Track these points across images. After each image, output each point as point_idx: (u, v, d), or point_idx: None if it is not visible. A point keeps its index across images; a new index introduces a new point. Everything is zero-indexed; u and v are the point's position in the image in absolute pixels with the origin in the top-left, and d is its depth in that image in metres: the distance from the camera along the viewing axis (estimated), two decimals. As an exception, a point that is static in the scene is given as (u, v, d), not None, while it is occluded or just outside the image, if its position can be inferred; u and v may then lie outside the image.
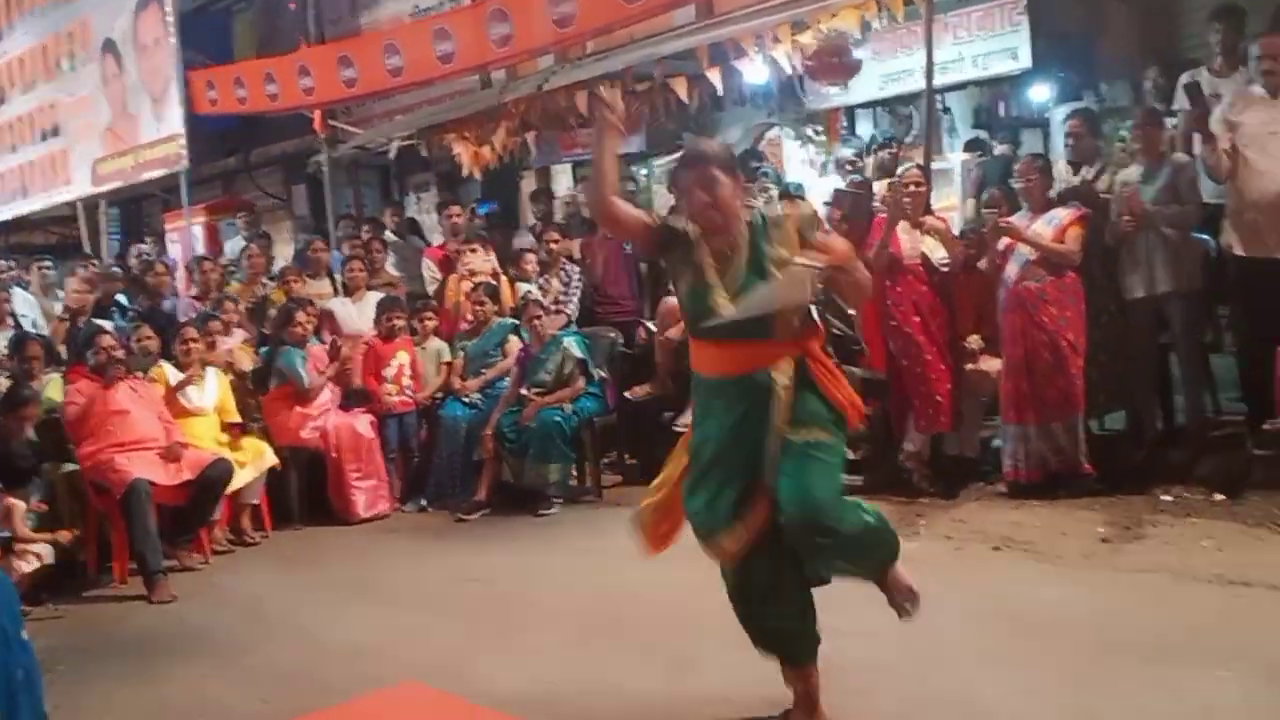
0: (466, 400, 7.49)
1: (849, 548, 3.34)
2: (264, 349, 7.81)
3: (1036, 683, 3.64)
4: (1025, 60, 7.84)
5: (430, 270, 8.76)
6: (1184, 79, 6.56)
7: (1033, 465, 5.89)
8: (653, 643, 4.46)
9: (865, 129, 9.49)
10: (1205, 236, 6.09)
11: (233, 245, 10.88)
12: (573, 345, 7.22)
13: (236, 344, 7.66)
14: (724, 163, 3.36)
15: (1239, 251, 5.72)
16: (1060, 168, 6.59)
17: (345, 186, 12.40)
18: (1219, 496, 5.51)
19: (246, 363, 7.61)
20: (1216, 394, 6.37)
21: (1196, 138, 5.96)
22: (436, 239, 9.80)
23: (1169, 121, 6.29)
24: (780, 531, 3.30)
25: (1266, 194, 5.57)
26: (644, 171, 10.87)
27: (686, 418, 6.87)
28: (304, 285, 8.35)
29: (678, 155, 3.51)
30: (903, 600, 3.52)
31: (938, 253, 6.33)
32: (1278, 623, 4.01)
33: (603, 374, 7.33)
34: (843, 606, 3.69)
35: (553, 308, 7.63)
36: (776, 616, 3.48)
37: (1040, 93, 8.65)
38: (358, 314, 8.07)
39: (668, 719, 3.74)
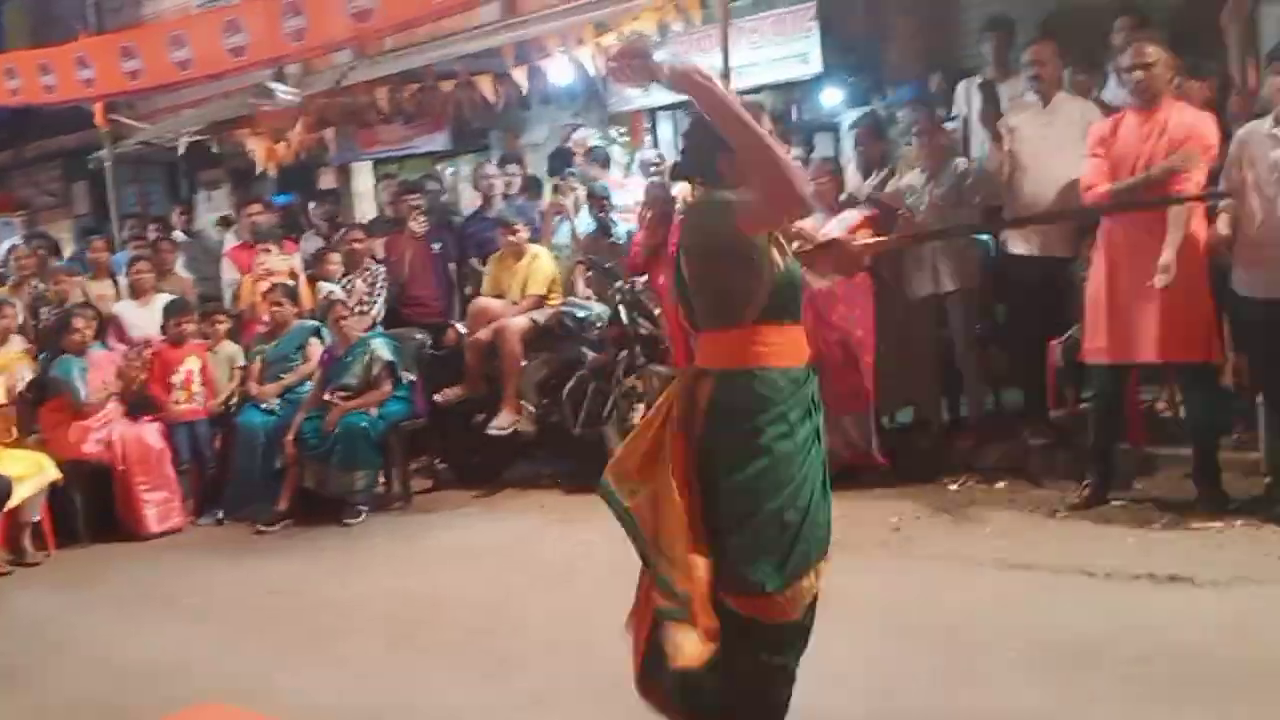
0: (265, 407, 7.23)
1: None
2: (41, 356, 7.36)
3: (840, 666, 3.78)
4: (816, 65, 8.11)
5: (231, 272, 8.43)
6: (961, 86, 6.94)
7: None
8: (469, 648, 4.43)
9: (667, 131, 9.63)
10: (985, 237, 6.43)
11: (7, 246, 10.21)
12: (380, 347, 7.07)
13: (14, 352, 7.20)
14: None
15: (1015, 250, 6.07)
16: (850, 171, 6.87)
17: (129, 184, 11.81)
18: (999, 485, 5.84)
19: (24, 372, 7.15)
20: (997, 387, 6.76)
21: (974, 140, 6.30)
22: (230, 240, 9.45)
23: (948, 126, 6.62)
24: None
25: (1038, 196, 5.92)
26: (450, 170, 10.76)
27: (501, 420, 6.92)
28: (70, 287, 7.90)
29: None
30: None
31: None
32: (1056, 603, 4.27)
33: (411, 377, 7.20)
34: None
35: (357, 309, 7.45)
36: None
37: (831, 97, 8.96)
38: (145, 318, 7.70)
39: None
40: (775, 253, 2.78)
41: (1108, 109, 5.78)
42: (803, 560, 2.75)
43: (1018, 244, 6.05)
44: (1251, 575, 4.27)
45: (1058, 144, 5.80)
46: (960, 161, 6.31)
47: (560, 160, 8.99)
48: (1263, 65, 5.55)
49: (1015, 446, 6.15)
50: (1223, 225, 5.03)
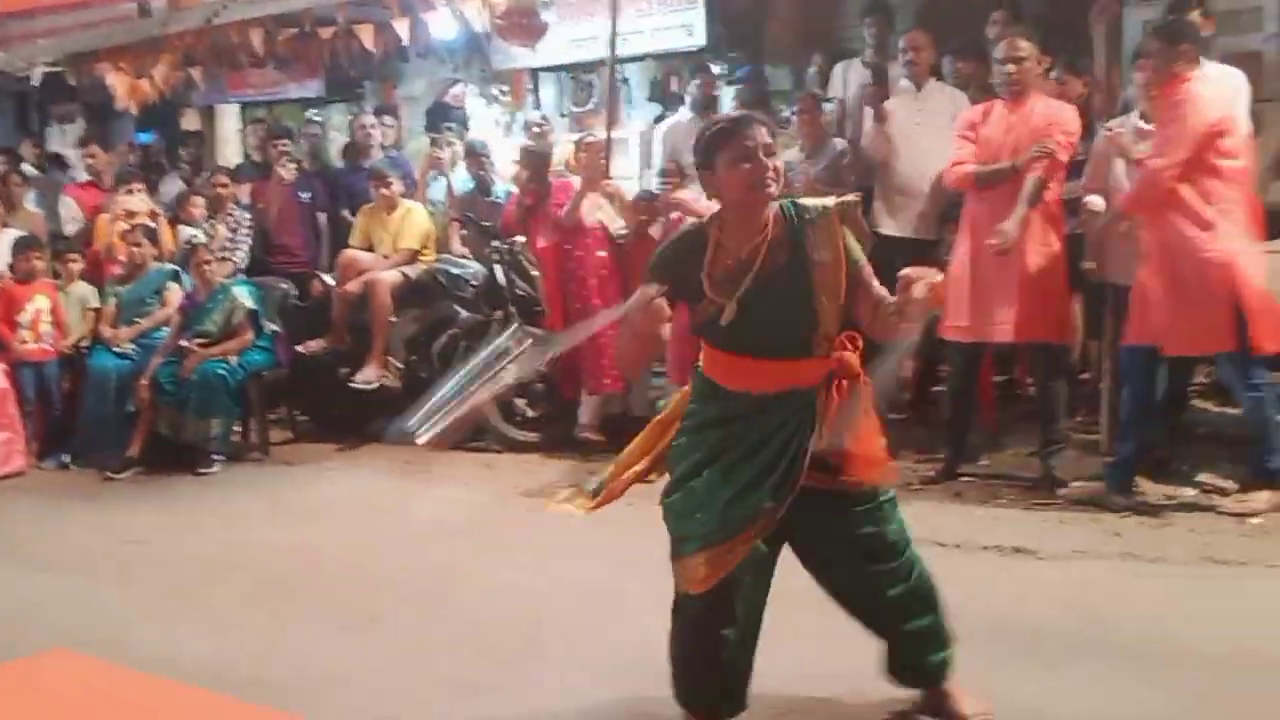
0: (118, 350, 6.96)
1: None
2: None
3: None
4: (700, 38, 8.17)
5: (70, 209, 8.06)
6: (839, 68, 7.07)
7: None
8: (332, 602, 4.36)
9: (549, 93, 9.56)
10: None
11: None
12: (243, 294, 6.87)
13: None
14: (775, 132, 2.86)
15: (885, 230, 6.22)
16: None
17: (-26, 114, 11.18)
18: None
19: None
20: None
21: (849, 122, 6.44)
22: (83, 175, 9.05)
23: (826, 107, 6.74)
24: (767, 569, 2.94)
25: (909, 178, 6.10)
26: (319, 117, 10.47)
27: (366, 374, 6.81)
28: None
29: (712, 122, 2.92)
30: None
31: (615, 221, 6.51)
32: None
33: (274, 327, 7.03)
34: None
35: (220, 254, 7.22)
36: (731, 663, 2.96)
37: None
38: (-10, 255, 7.34)
39: (354, 677, 3.66)
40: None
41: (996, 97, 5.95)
42: (684, 542, 2.89)
43: (887, 224, 6.21)
44: (1089, 550, 4.50)
45: (928, 130, 5.98)
46: (838, 142, 6.44)
47: (439, 116, 8.86)
48: (1125, 65, 5.82)
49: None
50: (1093, 214, 5.26)
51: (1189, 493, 5.06)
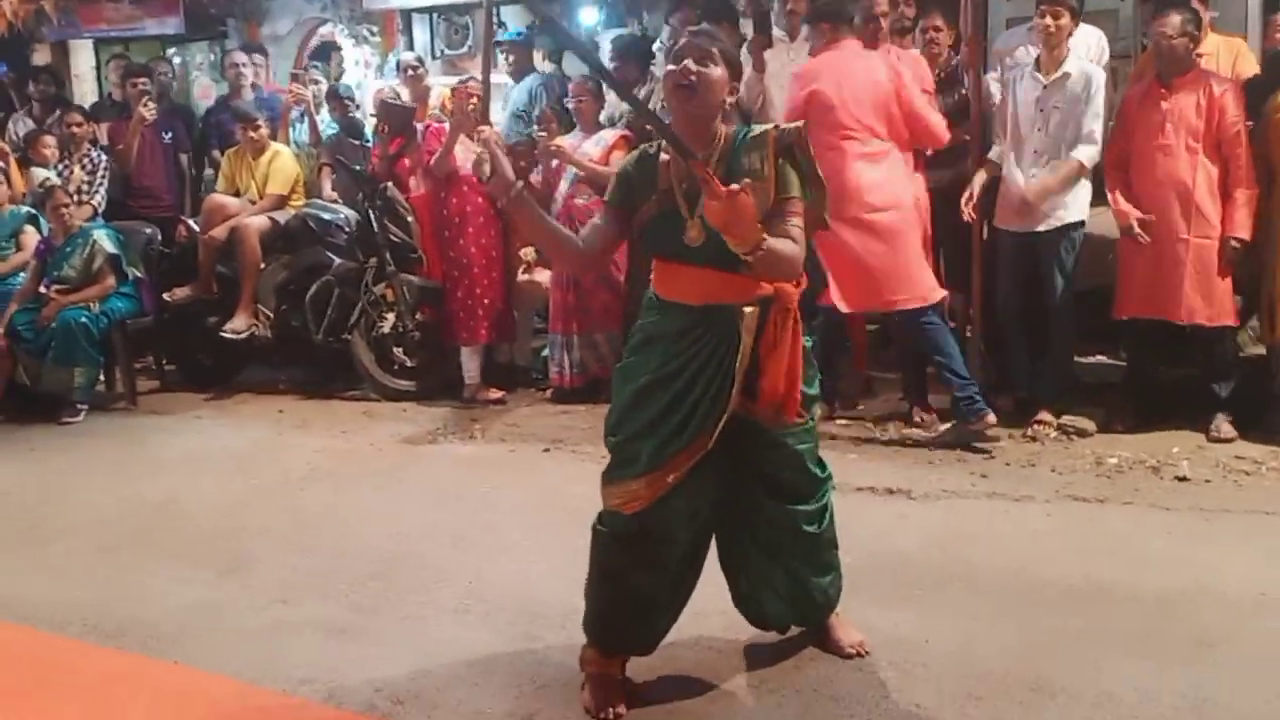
0: (-31, 297, 6.65)
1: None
2: None
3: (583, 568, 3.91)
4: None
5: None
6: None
7: (576, 372, 6.21)
8: (200, 550, 4.27)
9: (421, 35, 9.36)
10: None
11: None
12: (103, 239, 6.59)
13: None
14: (728, 54, 2.86)
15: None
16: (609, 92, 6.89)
17: None
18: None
19: None
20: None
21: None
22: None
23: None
24: (709, 488, 2.91)
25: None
26: (178, 59, 10.08)
27: (236, 323, 6.63)
28: None
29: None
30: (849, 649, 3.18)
31: (486, 167, 6.42)
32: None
33: (138, 273, 6.77)
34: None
35: (76, 197, 6.91)
36: (653, 587, 2.93)
37: (589, 15, 8.96)
38: None
39: (226, 620, 3.60)
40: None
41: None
42: (623, 465, 2.89)
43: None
44: (958, 490, 4.67)
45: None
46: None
47: (322, 57, 8.59)
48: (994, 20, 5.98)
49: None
50: (977, 181, 5.41)
51: (1052, 434, 5.29)
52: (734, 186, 2.51)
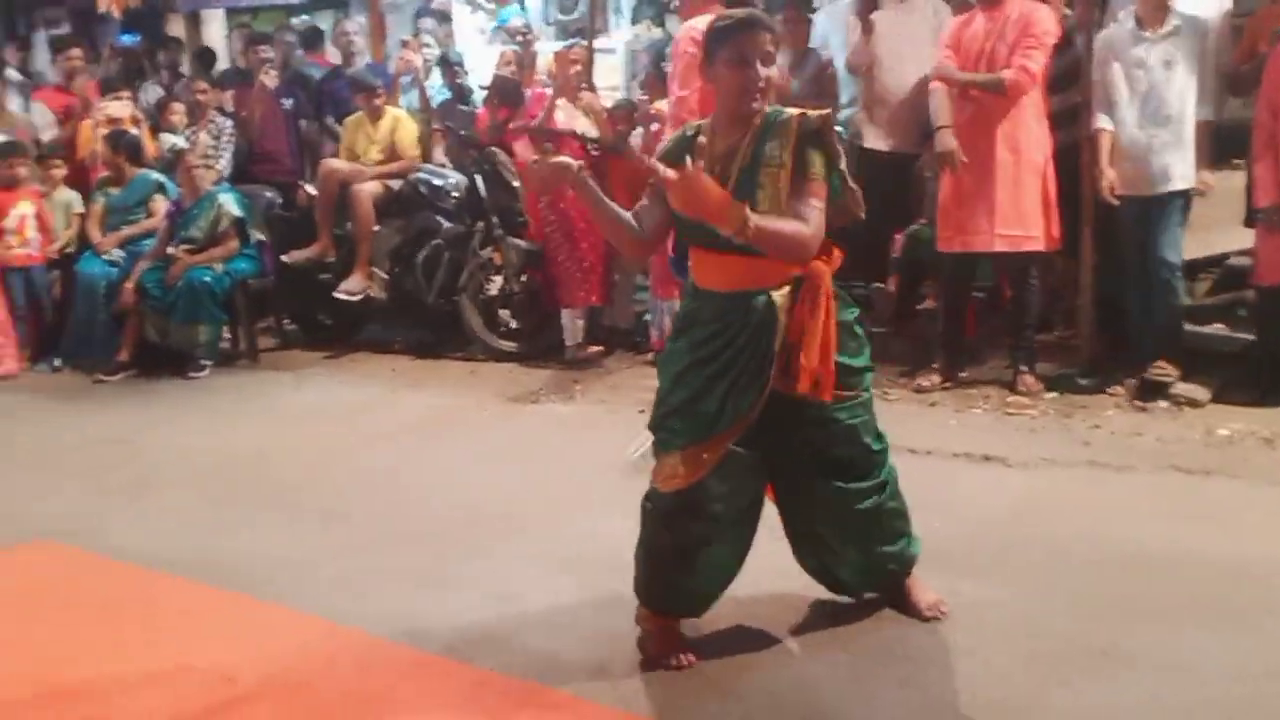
0: (107, 257, 6.99)
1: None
2: None
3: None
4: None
5: (41, 113, 8.00)
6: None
7: (676, 335, 6.22)
8: (302, 498, 4.46)
9: (534, 0, 9.44)
10: (840, 129, 6.54)
11: None
12: (229, 202, 6.88)
13: None
14: (778, 40, 2.87)
15: (868, 144, 6.21)
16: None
17: (-43, 16, 11.05)
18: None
19: None
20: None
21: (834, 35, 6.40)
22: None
23: (814, 19, 6.66)
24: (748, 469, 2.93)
25: (893, 91, 6.06)
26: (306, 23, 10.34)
27: (351, 284, 6.83)
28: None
29: (723, 16, 2.90)
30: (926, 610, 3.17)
31: (591, 132, 6.48)
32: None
33: (260, 236, 7.03)
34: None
35: (201, 162, 7.20)
36: (695, 563, 2.95)
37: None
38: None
39: (318, 566, 3.75)
40: None
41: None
42: (663, 442, 2.93)
43: (871, 137, 6.19)
44: (1057, 458, 4.57)
45: (912, 40, 5.93)
46: (822, 53, 6.39)
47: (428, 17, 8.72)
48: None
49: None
50: (1104, 151, 5.24)
51: (1162, 404, 5.13)
52: (685, 168, 2.54)
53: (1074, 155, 5.41)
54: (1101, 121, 5.29)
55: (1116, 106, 5.23)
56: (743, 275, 2.84)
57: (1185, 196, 5.19)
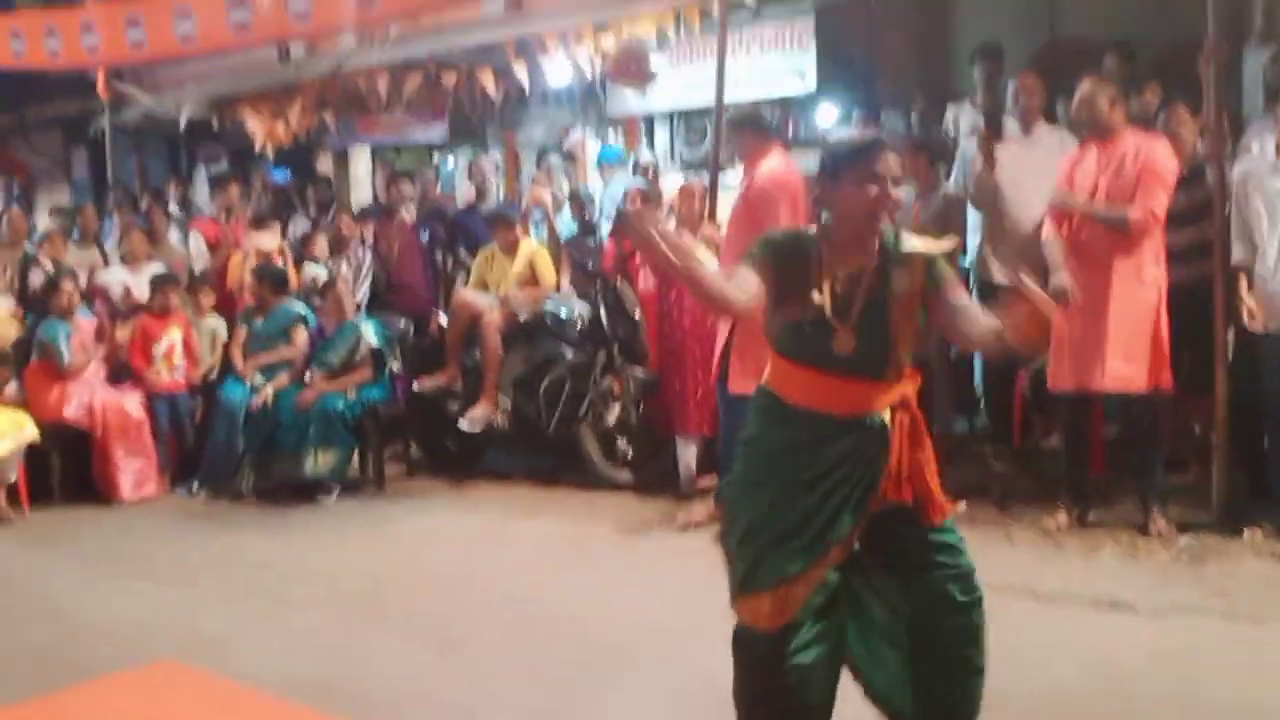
0: (248, 383, 7.32)
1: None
2: (29, 317, 7.45)
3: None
4: (811, 82, 8.23)
5: (197, 244, 8.49)
6: (950, 110, 7.04)
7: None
8: (423, 626, 4.54)
9: (662, 136, 9.73)
10: (962, 266, 6.50)
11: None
12: (369, 333, 7.17)
13: (2, 313, 7.29)
14: (904, 165, 2.95)
15: (997, 279, 6.14)
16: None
17: (129, 153, 11.87)
18: (961, 505, 5.92)
19: (11, 332, 7.24)
20: (972, 412, 6.87)
21: (957, 165, 6.43)
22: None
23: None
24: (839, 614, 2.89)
25: (1017, 223, 6.02)
26: (445, 161, 10.85)
27: (476, 414, 6.99)
28: (66, 251, 8.00)
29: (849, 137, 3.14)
30: None
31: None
32: (996, 619, 4.35)
33: (395, 368, 7.29)
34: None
35: (347, 290, 7.52)
36: (791, 698, 2.86)
37: (826, 115, 9.05)
38: (135, 286, 7.80)
39: (436, 696, 3.81)
40: None
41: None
42: (749, 579, 2.84)
43: (997, 273, 6.14)
44: (1190, 607, 4.37)
45: (1036, 173, 5.89)
46: (948, 185, 6.42)
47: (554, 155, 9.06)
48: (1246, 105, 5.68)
49: (980, 470, 6.26)
50: (1249, 299, 5.14)
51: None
52: None
53: (1205, 291, 5.28)
54: (1240, 253, 5.16)
55: (1259, 240, 5.11)
56: (861, 398, 2.81)
57: None
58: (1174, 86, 6.01)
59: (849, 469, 2.80)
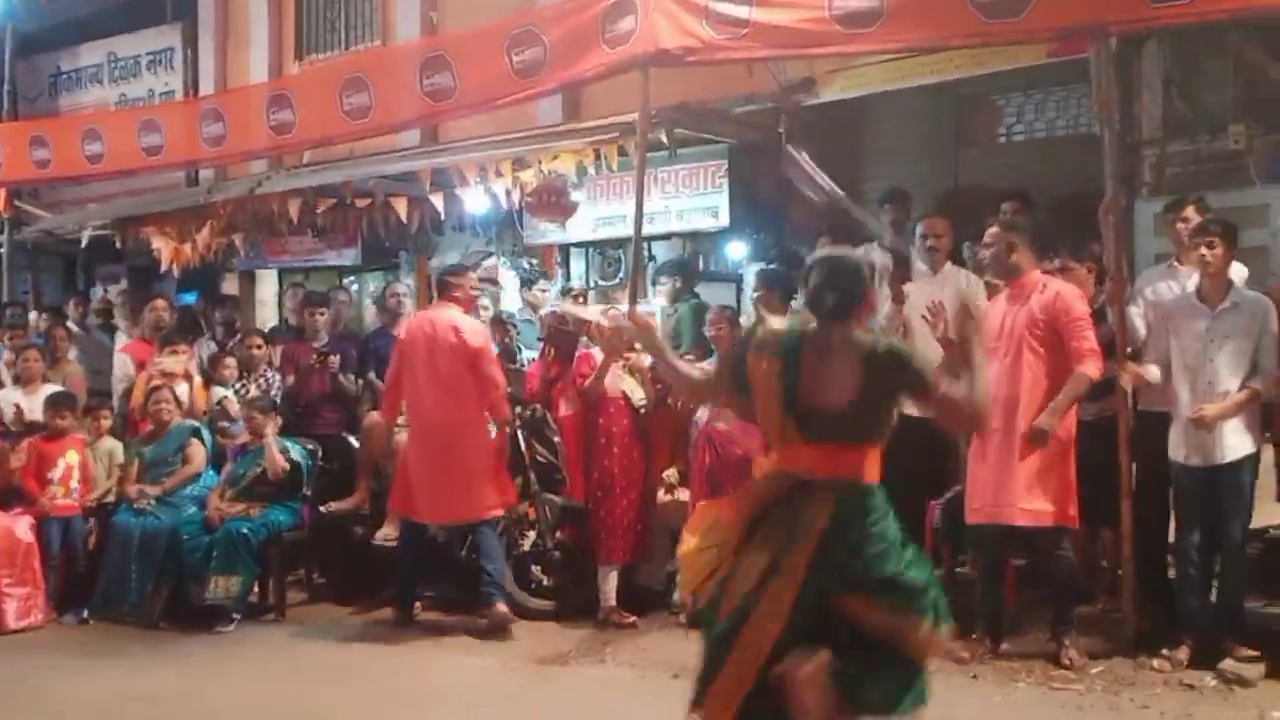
0: (138, 507, 7.03)
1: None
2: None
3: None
4: (724, 219, 8.47)
5: (125, 368, 8.27)
6: (861, 251, 7.26)
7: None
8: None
9: (578, 266, 9.85)
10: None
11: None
12: (290, 449, 7.05)
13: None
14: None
15: (906, 410, 6.27)
16: (745, 320, 7.11)
17: (24, 271, 11.59)
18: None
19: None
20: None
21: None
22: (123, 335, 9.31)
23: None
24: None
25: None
26: (355, 286, 10.81)
27: (387, 530, 6.84)
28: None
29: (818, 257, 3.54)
30: None
31: (637, 392, 6.63)
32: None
33: (307, 491, 7.12)
34: None
35: (260, 409, 7.34)
36: None
37: (737, 250, 9.30)
38: (29, 406, 7.53)
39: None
40: None
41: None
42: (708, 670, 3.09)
43: (907, 405, 6.28)
44: (1108, 739, 4.43)
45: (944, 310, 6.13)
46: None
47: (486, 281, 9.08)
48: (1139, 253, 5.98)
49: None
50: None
51: (1211, 682, 4.99)
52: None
53: (1110, 427, 5.48)
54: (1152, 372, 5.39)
55: (1175, 378, 5.32)
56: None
57: (1255, 460, 5.23)
58: (1068, 234, 6.31)
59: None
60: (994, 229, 5.63)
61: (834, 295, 3.32)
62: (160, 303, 8.60)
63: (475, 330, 6.56)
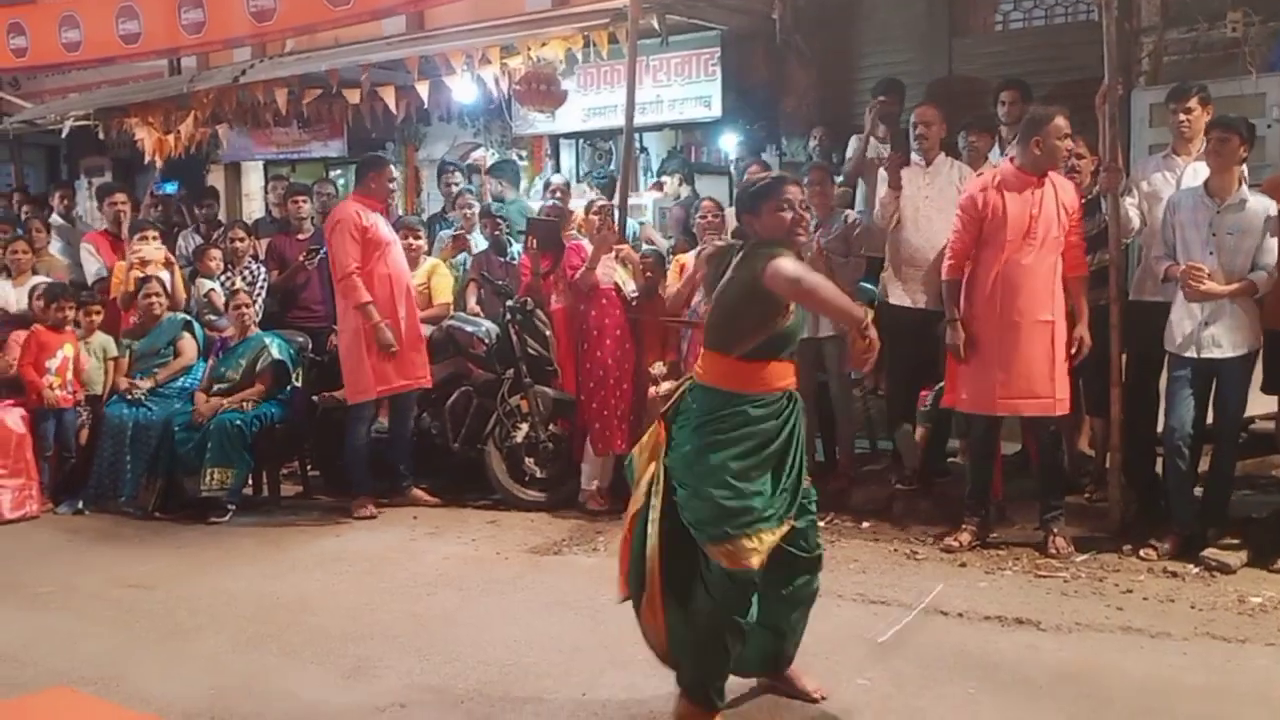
0: (132, 399, 7.06)
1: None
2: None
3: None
4: (717, 109, 8.34)
5: (92, 255, 8.19)
6: (853, 140, 7.18)
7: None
8: (326, 650, 4.41)
9: (568, 159, 9.73)
10: (869, 286, 6.63)
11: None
12: (273, 346, 7.00)
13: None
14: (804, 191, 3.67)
15: (894, 301, 6.29)
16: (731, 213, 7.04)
17: (6, 163, 11.43)
18: (865, 525, 6.02)
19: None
20: (873, 433, 7.00)
21: (858, 194, 6.56)
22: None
23: (837, 179, 6.83)
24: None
25: (917, 252, 6.18)
26: (341, 179, 10.67)
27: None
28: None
29: (758, 178, 3.64)
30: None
31: (629, 284, 6.61)
32: (908, 638, 4.43)
33: (296, 383, 7.11)
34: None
35: (248, 303, 7.30)
36: (759, 636, 3.63)
37: (729, 142, 9.18)
38: (17, 299, 7.48)
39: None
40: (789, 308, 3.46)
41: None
42: (741, 524, 3.39)
43: (895, 294, 6.28)
44: (1091, 623, 4.50)
45: (937, 203, 6.09)
46: (849, 213, 6.53)
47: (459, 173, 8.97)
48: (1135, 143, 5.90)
49: (882, 490, 6.37)
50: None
51: (1193, 569, 5.07)
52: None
53: (1101, 317, 5.47)
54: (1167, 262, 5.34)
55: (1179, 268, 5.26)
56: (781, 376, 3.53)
57: (1255, 355, 5.24)
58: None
59: (789, 440, 3.52)
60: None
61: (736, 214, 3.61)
62: (120, 196, 8.44)
63: (331, 220, 6.69)
